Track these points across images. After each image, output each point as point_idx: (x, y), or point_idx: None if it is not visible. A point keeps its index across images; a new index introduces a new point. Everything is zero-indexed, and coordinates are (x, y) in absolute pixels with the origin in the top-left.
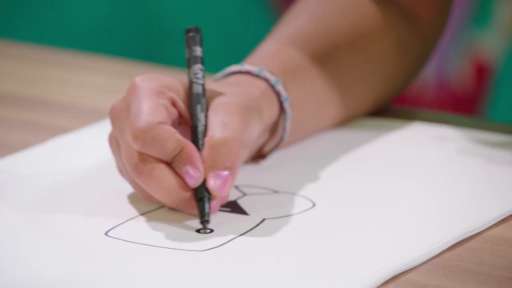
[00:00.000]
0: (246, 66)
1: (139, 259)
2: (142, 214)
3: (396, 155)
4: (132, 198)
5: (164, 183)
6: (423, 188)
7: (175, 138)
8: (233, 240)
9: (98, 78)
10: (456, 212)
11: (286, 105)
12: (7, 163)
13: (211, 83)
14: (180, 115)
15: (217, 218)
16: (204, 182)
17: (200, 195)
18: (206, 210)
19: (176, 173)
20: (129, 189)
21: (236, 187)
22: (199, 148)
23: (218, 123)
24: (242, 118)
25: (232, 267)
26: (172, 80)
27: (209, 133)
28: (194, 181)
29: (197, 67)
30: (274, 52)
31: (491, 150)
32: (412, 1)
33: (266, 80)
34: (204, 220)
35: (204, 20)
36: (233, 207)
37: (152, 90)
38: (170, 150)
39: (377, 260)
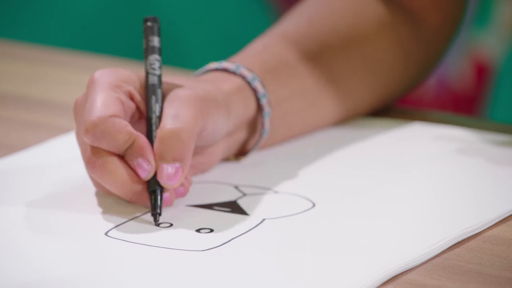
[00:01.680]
0: (223, 63)
1: (139, 259)
2: (142, 214)
3: (396, 155)
4: None
5: (117, 176)
6: (423, 188)
7: (126, 131)
8: (233, 240)
9: None
10: (456, 212)
11: (263, 102)
12: (7, 163)
13: (181, 78)
14: (138, 108)
15: (217, 218)
16: (155, 175)
17: (152, 188)
18: (158, 203)
19: (129, 166)
20: None
21: (236, 187)
22: (152, 140)
23: (170, 114)
24: (197, 110)
25: (232, 267)
26: (130, 74)
27: (160, 125)
28: (145, 174)
29: (154, 57)
30: (260, 50)
31: (491, 150)
32: (418, 5)
33: (243, 77)
34: (155, 213)
35: (204, 20)
36: (233, 207)
37: (108, 84)
38: (121, 143)
39: (377, 260)
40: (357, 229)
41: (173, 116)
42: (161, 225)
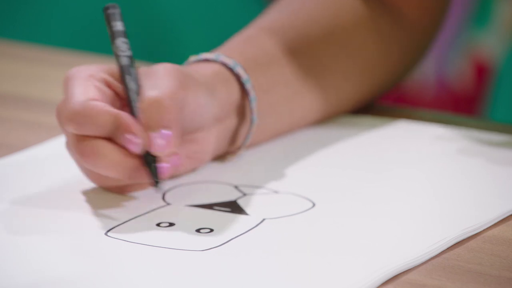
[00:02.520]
0: (203, 54)
1: (139, 259)
2: (142, 214)
3: (395, 155)
4: (132, 198)
5: (110, 158)
6: (423, 188)
7: (107, 111)
8: (233, 240)
9: None
10: (456, 212)
11: (248, 86)
12: (7, 163)
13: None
14: (118, 95)
15: (217, 218)
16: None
17: (147, 159)
18: (154, 170)
19: (119, 145)
20: None
21: (236, 187)
22: (135, 115)
23: (149, 85)
24: (177, 79)
25: (232, 267)
26: (106, 66)
27: (141, 98)
28: (136, 147)
29: (120, 40)
30: (241, 41)
31: (491, 150)
32: (397, 1)
33: (223, 64)
34: (155, 181)
35: (204, 20)
36: (233, 207)
37: (82, 76)
38: (106, 123)
39: (377, 260)
40: (357, 229)
41: (152, 85)
42: (161, 225)
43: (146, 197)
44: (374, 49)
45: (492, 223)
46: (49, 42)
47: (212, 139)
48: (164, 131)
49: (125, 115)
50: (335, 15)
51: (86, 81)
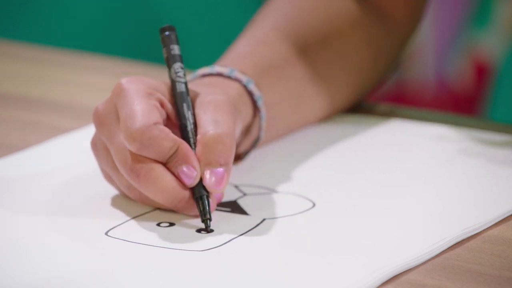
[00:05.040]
0: (216, 67)
1: (139, 259)
2: (142, 214)
3: (395, 155)
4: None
5: (162, 184)
6: (423, 188)
7: (171, 138)
8: (233, 240)
9: (98, 78)
10: (456, 212)
11: (260, 103)
12: (7, 163)
13: (190, 84)
14: (168, 116)
15: (217, 218)
16: (201, 181)
17: (199, 194)
18: (207, 208)
19: (173, 173)
20: None
21: (236, 187)
22: (191, 146)
23: (209, 120)
24: (232, 115)
25: (232, 267)
26: (157, 82)
27: (201, 131)
28: (191, 181)
29: (178, 65)
30: (247, 53)
31: (491, 150)
32: (387, 2)
33: (238, 81)
34: (206, 218)
35: (204, 20)
36: (233, 207)
37: (141, 92)
38: (167, 150)
39: (377, 260)
40: (357, 229)
41: (213, 121)
42: (161, 225)
43: None
44: (365, 55)
45: (492, 223)
46: (49, 42)
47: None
48: (219, 169)
49: (186, 146)
50: (330, 20)
51: (147, 99)
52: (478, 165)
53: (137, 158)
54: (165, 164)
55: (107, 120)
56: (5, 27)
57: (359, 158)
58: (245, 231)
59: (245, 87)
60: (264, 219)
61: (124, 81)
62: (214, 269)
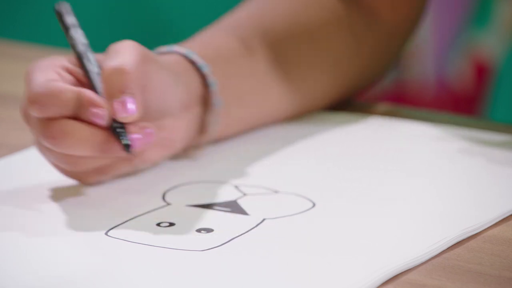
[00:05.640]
0: (175, 47)
1: (139, 259)
2: (142, 214)
3: (395, 154)
4: (132, 198)
5: (78, 135)
6: (423, 188)
7: (69, 89)
8: (233, 240)
9: None
10: (456, 212)
11: (205, 71)
12: (7, 163)
13: None
14: (80, 81)
15: (217, 218)
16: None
17: (114, 127)
18: (123, 136)
19: (85, 122)
20: (129, 189)
21: (236, 187)
22: (98, 93)
23: (110, 59)
24: (138, 53)
25: (232, 267)
26: (66, 56)
27: (102, 70)
28: (102, 119)
29: (73, 31)
30: (204, 36)
31: (491, 150)
32: (372, 3)
33: (178, 53)
34: (125, 144)
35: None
36: (233, 207)
37: (42, 65)
38: (69, 101)
39: (377, 260)
40: (357, 229)
41: (113, 57)
42: (161, 225)
43: (146, 197)
44: (344, 47)
45: (492, 223)
46: (49, 42)
47: (180, 126)
48: (127, 97)
49: (87, 91)
50: (304, 10)
51: (46, 68)
52: (478, 165)
53: (45, 122)
54: (76, 118)
55: (26, 108)
56: (5, 27)
57: (359, 157)
58: (245, 231)
59: (185, 56)
60: (264, 219)
61: (33, 62)
62: (214, 269)
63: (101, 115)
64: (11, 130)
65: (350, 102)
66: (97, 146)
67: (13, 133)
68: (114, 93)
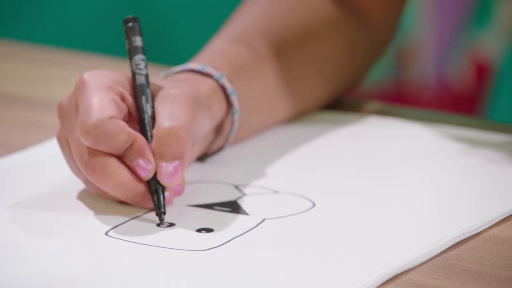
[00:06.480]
0: (189, 64)
1: (139, 259)
2: (142, 214)
3: (395, 154)
4: None
5: (118, 179)
6: (423, 188)
7: (126, 131)
8: (233, 240)
9: None
10: (456, 212)
11: (233, 98)
12: (7, 163)
13: (158, 79)
14: (129, 110)
15: (217, 218)
16: (156, 174)
17: (154, 187)
18: (161, 202)
19: (128, 167)
20: None
21: (236, 187)
22: (148, 140)
23: (165, 113)
24: (190, 107)
25: (232, 267)
26: (119, 75)
27: (156, 124)
28: (146, 174)
29: (139, 57)
30: (222, 50)
31: (491, 150)
32: (364, 4)
33: (210, 76)
34: (160, 212)
35: (204, 20)
36: (233, 207)
37: (101, 85)
38: (122, 144)
39: (377, 260)
40: (357, 229)
41: (169, 114)
42: (161, 225)
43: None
44: (342, 54)
45: (492, 223)
46: (49, 42)
47: (196, 152)
48: (177, 164)
49: (141, 139)
50: (307, 19)
51: (106, 93)
52: (478, 165)
53: (92, 153)
54: (121, 158)
55: (69, 114)
56: (5, 27)
57: (359, 158)
58: (245, 231)
59: (217, 81)
60: (264, 219)
61: (86, 74)
62: (214, 269)
63: (146, 169)
64: (11, 130)
65: (342, 101)
66: (130, 196)
67: (13, 133)
68: (165, 155)
